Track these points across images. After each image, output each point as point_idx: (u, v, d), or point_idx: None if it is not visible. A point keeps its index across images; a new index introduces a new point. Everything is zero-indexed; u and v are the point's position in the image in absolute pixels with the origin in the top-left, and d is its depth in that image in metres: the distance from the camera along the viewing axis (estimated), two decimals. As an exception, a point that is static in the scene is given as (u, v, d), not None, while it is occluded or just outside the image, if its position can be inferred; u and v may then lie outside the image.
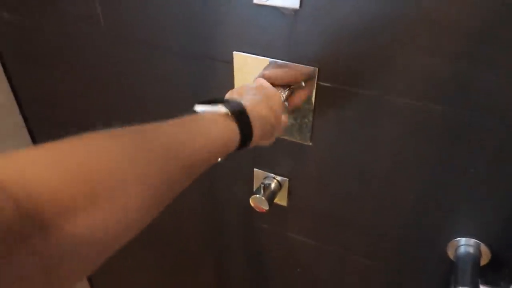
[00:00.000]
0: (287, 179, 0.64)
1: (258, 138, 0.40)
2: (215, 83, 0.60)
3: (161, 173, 0.27)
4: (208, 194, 0.75)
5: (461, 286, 0.50)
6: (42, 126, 0.89)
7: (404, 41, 0.45)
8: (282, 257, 0.75)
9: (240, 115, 0.38)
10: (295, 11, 0.48)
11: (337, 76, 0.51)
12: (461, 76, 0.44)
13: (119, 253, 0.25)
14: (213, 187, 0.73)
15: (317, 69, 0.51)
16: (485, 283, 0.52)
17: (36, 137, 0.91)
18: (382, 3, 0.43)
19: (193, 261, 0.89)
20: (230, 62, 0.56)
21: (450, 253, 0.57)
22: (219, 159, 0.36)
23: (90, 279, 1.14)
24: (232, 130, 0.37)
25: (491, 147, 0.47)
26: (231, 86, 0.58)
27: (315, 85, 0.52)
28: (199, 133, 0.34)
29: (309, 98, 0.54)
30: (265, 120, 0.41)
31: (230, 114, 0.37)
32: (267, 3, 0.49)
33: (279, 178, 0.64)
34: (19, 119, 0.88)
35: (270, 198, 0.64)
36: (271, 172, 0.65)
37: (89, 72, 0.71)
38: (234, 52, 0.55)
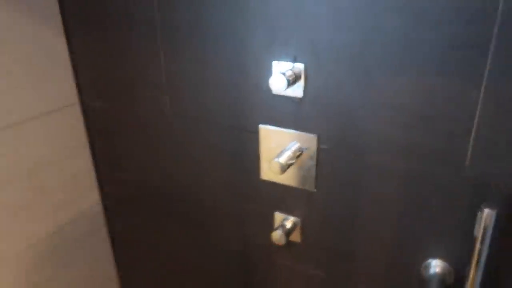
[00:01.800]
0: (300, 219, 0.84)
1: None
2: (247, 147, 0.84)
3: None
4: (236, 234, 0.95)
5: (429, 293, 0.68)
6: (110, 186, 1.14)
7: (371, 114, 0.68)
8: (298, 289, 0.92)
9: None
10: (300, 98, 0.73)
11: (331, 141, 0.74)
12: (414, 140, 0.67)
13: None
14: (241, 227, 0.93)
15: (316, 135, 0.75)
16: (448, 293, 0.69)
17: (104, 195, 1.16)
18: (357, 93, 0.68)
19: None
20: (257, 132, 0.81)
21: (424, 274, 0.74)
22: None
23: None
24: None
25: (442, 189, 0.67)
26: (258, 149, 0.82)
27: (316, 147, 0.76)
28: None
29: (313, 156, 0.77)
30: None
31: None
32: (282, 93, 0.75)
33: (293, 218, 0.85)
34: (93, 181, 1.13)
35: (287, 235, 0.84)
36: (288, 214, 0.86)
37: (155, 142, 0.98)
38: (260, 125, 0.80)
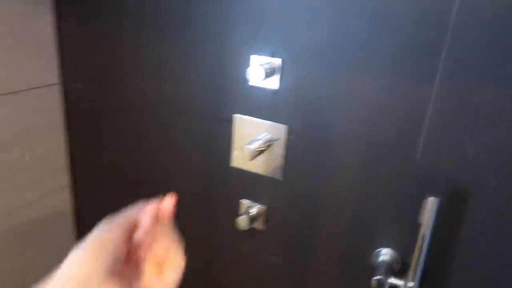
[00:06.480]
0: (265, 207, 0.90)
1: None
2: (220, 135, 0.89)
3: None
4: (202, 220, 0.99)
5: (378, 275, 0.74)
6: (83, 166, 1.15)
7: (337, 109, 0.75)
8: (255, 275, 0.96)
9: None
10: (275, 90, 0.80)
11: (300, 132, 0.81)
12: (373, 134, 0.74)
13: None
14: (208, 213, 0.97)
15: (287, 126, 0.81)
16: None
17: (77, 177, 1.17)
18: (326, 89, 0.75)
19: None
20: (231, 121, 0.87)
21: (373, 261, 0.80)
22: None
23: None
24: None
25: (395, 182, 0.75)
26: (231, 137, 0.87)
27: (285, 137, 0.82)
28: None
29: (281, 146, 0.83)
30: None
31: None
32: (258, 85, 0.81)
33: (259, 206, 0.90)
34: (64, 163, 1.15)
35: (251, 221, 0.88)
36: (254, 202, 0.90)
37: (132, 128, 1.01)
38: (235, 115, 0.86)
